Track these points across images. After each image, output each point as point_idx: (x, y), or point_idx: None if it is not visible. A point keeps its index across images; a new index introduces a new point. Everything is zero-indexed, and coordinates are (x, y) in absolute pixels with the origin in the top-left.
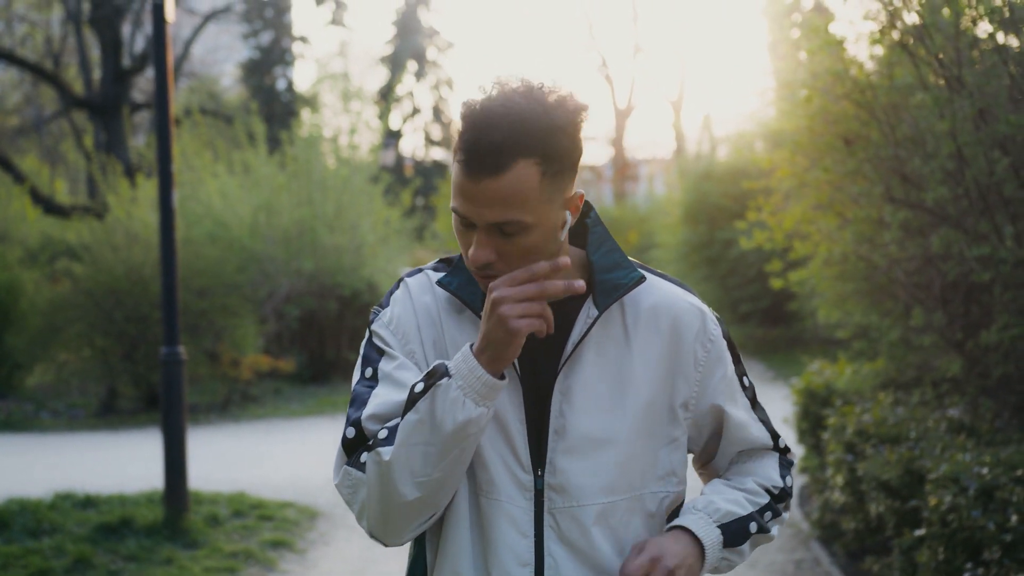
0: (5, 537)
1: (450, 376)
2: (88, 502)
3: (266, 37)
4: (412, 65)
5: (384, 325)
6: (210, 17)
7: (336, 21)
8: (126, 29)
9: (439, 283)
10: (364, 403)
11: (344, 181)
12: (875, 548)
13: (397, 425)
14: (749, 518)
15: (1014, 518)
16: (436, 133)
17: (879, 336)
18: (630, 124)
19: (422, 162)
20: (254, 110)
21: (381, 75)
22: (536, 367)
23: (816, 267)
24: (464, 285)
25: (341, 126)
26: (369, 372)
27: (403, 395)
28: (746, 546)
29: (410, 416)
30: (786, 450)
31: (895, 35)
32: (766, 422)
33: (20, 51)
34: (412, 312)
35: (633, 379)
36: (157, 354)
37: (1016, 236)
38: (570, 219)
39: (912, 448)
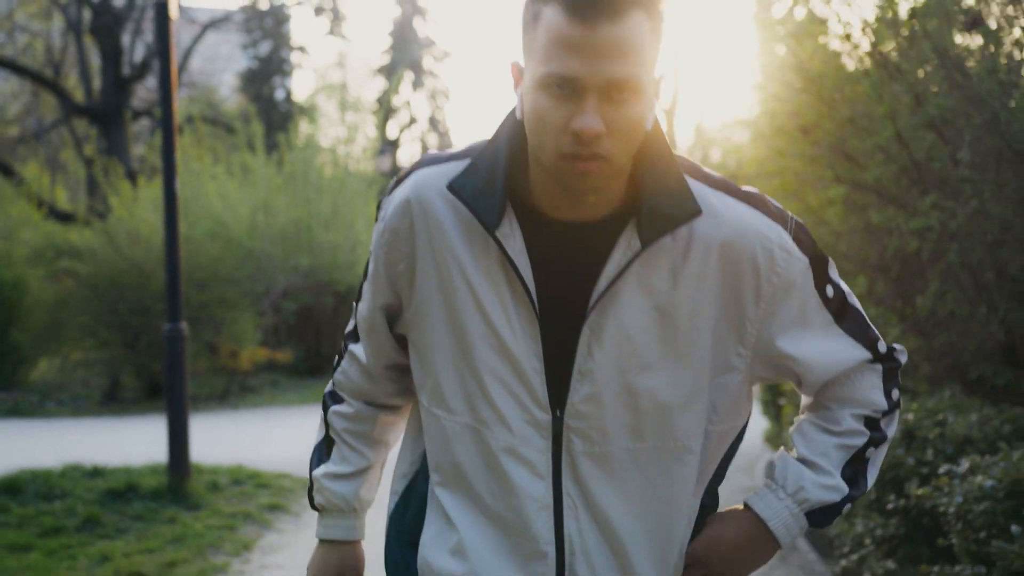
0: (19, 501)
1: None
2: (96, 472)
3: (265, 47)
4: (408, 75)
5: (378, 233)
6: (209, 26)
7: (334, 32)
8: (125, 38)
9: (450, 187)
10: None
11: (340, 183)
12: None
13: (327, 436)
14: (844, 501)
15: (930, 452)
16: (433, 142)
17: None
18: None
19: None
20: (252, 113)
21: (378, 85)
22: (562, 300)
23: None
24: (478, 194)
25: (339, 136)
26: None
27: (375, 300)
28: (835, 519)
29: (313, 455)
30: (889, 354)
31: (840, 29)
32: (858, 332)
33: (21, 60)
34: (408, 222)
35: (679, 322)
36: (158, 344)
37: (940, 207)
38: (657, 104)
39: None
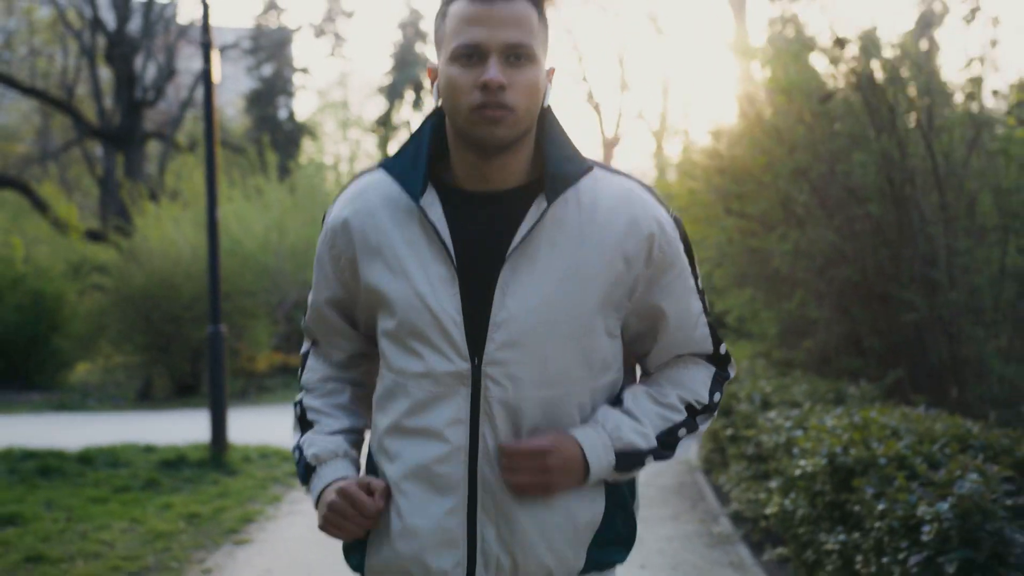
0: (92, 467)
1: (308, 487)
2: (149, 448)
3: (268, 69)
4: (409, 95)
5: (323, 235)
6: (220, 52)
7: (335, 54)
8: (138, 61)
9: (382, 165)
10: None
11: None
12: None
13: (303, 418)
14: (648, 453)
15: (774, 412)
16: None
17: (750, 315)
18: (617, 152)
19: None
20: (266, 143)
21: (380, 104)
22: (480, 260)
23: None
24: (405, 172)
25: (341, 153)
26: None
27: (318, 299)
28: (637, 471)
29: (295, 459)
30: (726, 361)
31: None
32: (713, 329)
33: (41, 84)
34: (347, 218)
35: (582, 274)
36: (187, 349)
37: (789, 236)
38: (550, 88)
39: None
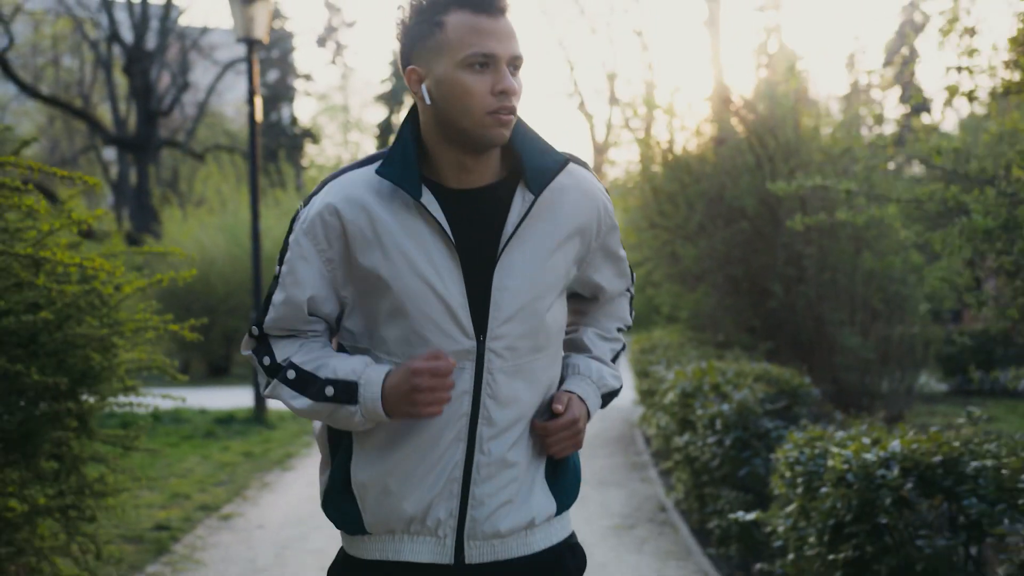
0: (160, 423)
1: (357, 403)
2: (203, 411)
3: (272, 75)
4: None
5: (304, 233)
6: (229, 66)
7: (336, 62)
8: (153, 71)
9: (378, 172)
10: (265, 309)
11: None
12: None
13: (302, 372)
14: (620, 388)
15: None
16: None
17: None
18: (609, 157)
19: None
20: (282, 157)
21: (379, 111)
22: (474, 249)
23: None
24: (400, 176)
25: (342, 157)
26: (277, 270)
27: (298, 295)
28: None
29: (316, 405)
30: (631, 283)
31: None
32: (628, 271)
33: (64, 95)
34: (335, 217)
35: (554, 249)
36: (222, 335)
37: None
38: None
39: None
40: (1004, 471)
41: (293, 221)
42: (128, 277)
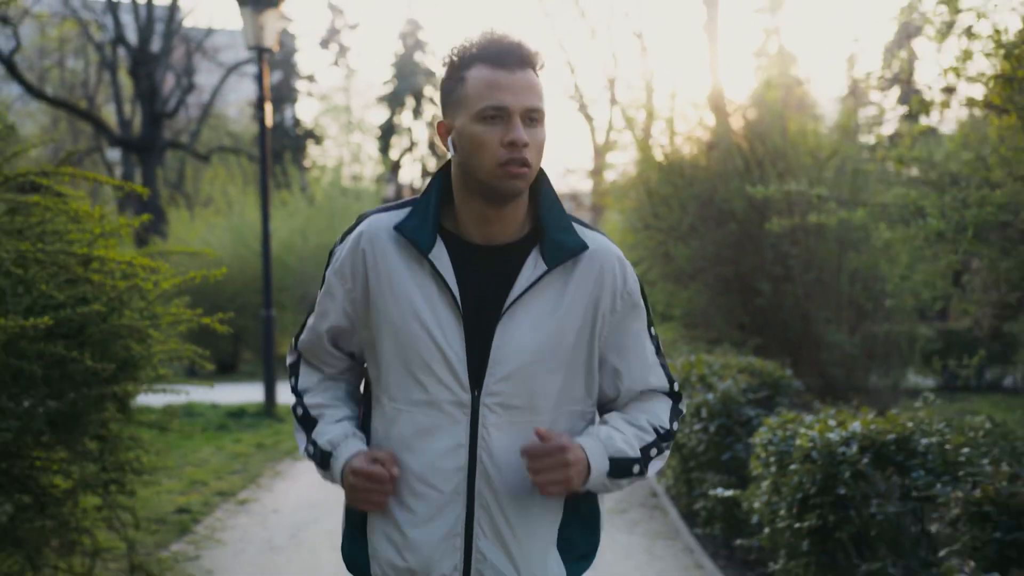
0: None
1: (329, 470)
2: (214, 406)
3: (275, 76)
4: (410, 102)
5: (334, 272)
6: (233, 68)
7: (339, 64)
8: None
9: (396, 227)
10: (302, 328)
11: (358, 212)
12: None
13: (306, 415)
14: (635, 460)
15: None
16: (431, 165)
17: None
18: (608, 159)
19: (419, 191)
20: (288, 160)
21: (381, 112)
22: (481, 305)
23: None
24: (416, 228)
25: (343, 156)
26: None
27: (321, 325)
28: (625, 481)
29: (302, 450)
30: (679, 397)
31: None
32: (666, 368)
33: (61, 93)
34: (361, 258)
35: (564, 319)
36: (229, 333)
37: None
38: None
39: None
40: (947, 447)
41: (331, 256)
42: (165, 274)
